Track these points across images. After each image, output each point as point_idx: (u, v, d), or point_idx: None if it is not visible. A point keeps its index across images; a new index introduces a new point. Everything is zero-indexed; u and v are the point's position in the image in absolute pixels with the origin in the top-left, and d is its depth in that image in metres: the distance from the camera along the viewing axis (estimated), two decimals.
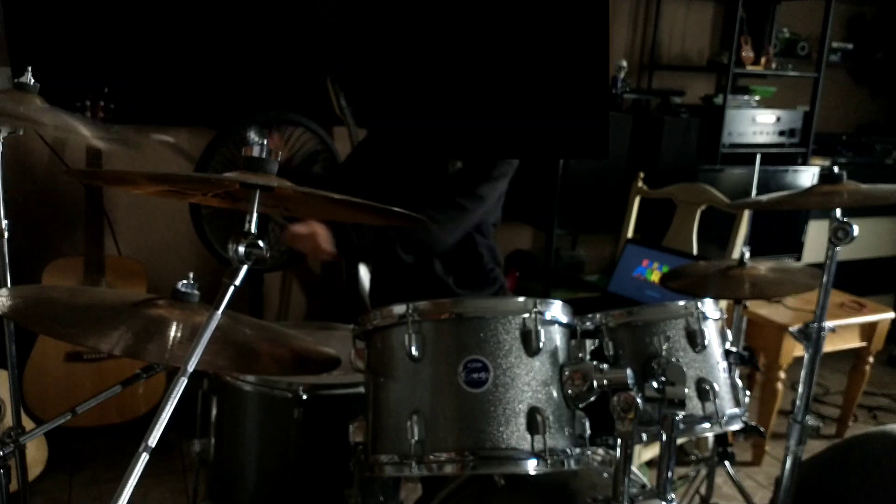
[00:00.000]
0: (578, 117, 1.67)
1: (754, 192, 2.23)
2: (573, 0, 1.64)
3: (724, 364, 1.46)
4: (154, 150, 2.97)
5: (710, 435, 2.16)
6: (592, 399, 1.21)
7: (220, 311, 0.98)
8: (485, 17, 1.63)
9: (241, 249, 1.01)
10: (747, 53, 3.67)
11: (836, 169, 1.57)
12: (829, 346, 2.30)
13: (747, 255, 1.87)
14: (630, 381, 1.17)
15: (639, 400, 1.15)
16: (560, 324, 1.26)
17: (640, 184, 3.19)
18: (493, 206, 1.91)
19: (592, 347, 1.28)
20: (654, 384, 1.25)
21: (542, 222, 3.48)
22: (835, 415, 3.33)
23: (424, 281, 1.88)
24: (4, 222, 1.52)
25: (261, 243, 1.02)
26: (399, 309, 1.21)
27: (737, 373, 1.58)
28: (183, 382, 0.93)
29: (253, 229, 1.04)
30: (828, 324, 1.57)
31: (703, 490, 2.15)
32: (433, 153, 1.86)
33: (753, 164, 2.34)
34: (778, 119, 3.81)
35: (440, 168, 1.89)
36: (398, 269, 1.86)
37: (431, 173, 1.90)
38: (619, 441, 1.18)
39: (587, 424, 1.24)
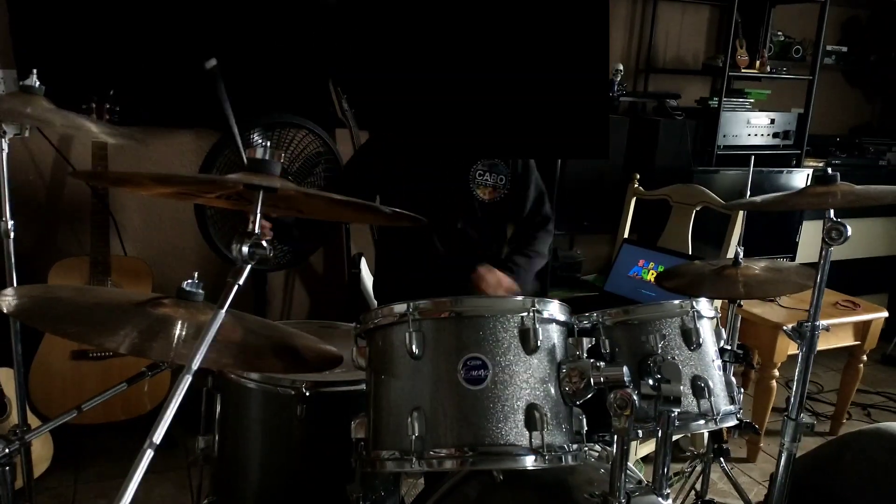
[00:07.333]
0: (579, 119, 1.69)
1: (748, 193, 2.25)
2: (574, 6, 1.66)
3: (718, 362, 1.48)
4: (159, 149, 2.99)
5: (705, 431, 2.18)
6: (589, 396, 1.22)
7: (224, 310, 1.00)
8: (486, 23, 1.65)
9: (245, 249, 1.02)
10: (742, 56, 3.69)
11: (829, 170, 1.59)
12: (823, 345, 2.32)
13: (742, 254, 1.89)
14: (626, 379, 1.18)
15: (635, 397, 1.16)
16: (558, 322, 1.27)
17: (636, 185, 3.21)
18: None
19: (589, 345, 1.30)
20: (650, 381, 1.27)
21: None
22: (829, 412, 3.36)
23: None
24: (10, 223, 1.54)
25: (264, 243, 1.04)
26: (400, 307, 1.22)
27: (731, 370, 1.60)
28: (187, 380, 0.95)
29: (256, 230, 1.06)
30: (821, 322, 1.59)
31: (698, 486, 2.16)
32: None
33: (748, 165, 2.36)
34: (772, 121, 3.84)
35: None
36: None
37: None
38: (615, 437, 1.19)
39: (584, 421, 1.25)
